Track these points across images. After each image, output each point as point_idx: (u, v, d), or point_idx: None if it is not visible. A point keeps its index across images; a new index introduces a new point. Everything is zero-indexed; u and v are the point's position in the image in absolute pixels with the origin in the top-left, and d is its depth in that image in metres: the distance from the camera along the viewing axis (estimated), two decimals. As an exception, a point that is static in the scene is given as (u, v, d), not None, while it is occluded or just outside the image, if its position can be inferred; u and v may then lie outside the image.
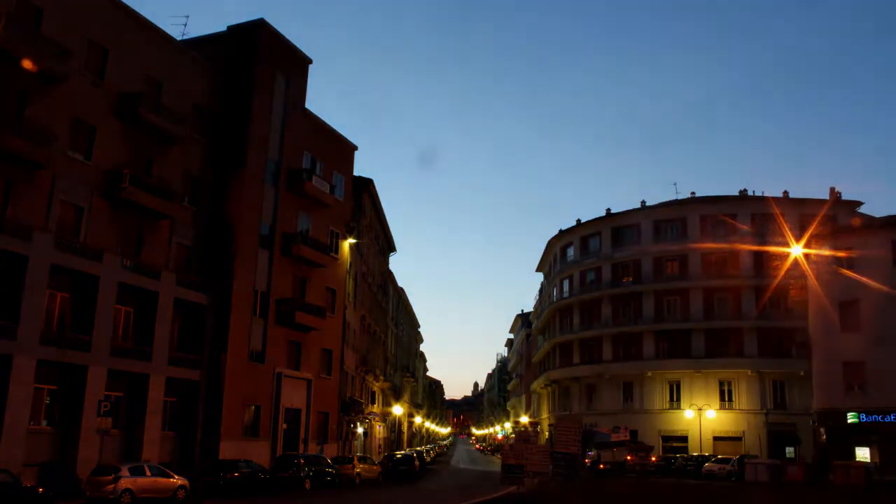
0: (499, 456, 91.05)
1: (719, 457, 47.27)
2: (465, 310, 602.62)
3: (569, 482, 23.13)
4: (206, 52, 36.40)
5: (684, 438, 56.21)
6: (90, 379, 26.98)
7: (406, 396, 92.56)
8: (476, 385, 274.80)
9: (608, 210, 65.88)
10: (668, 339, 59.36)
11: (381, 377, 64.79)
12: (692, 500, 29.20)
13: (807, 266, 43.70)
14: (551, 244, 74.84)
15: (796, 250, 42.92)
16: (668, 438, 57.53)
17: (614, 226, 64.84)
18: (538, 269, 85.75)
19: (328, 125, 44.07)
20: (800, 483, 39.77)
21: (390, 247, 71.50)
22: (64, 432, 26.59)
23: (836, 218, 53.90)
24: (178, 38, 35.32)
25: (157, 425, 30.39)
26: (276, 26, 38.70)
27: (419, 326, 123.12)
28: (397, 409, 75.91)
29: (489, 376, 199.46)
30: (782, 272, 53.56)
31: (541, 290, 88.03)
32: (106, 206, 29.20)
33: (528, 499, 26.25)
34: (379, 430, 65.88)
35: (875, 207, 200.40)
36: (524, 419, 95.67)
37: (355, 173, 48.21)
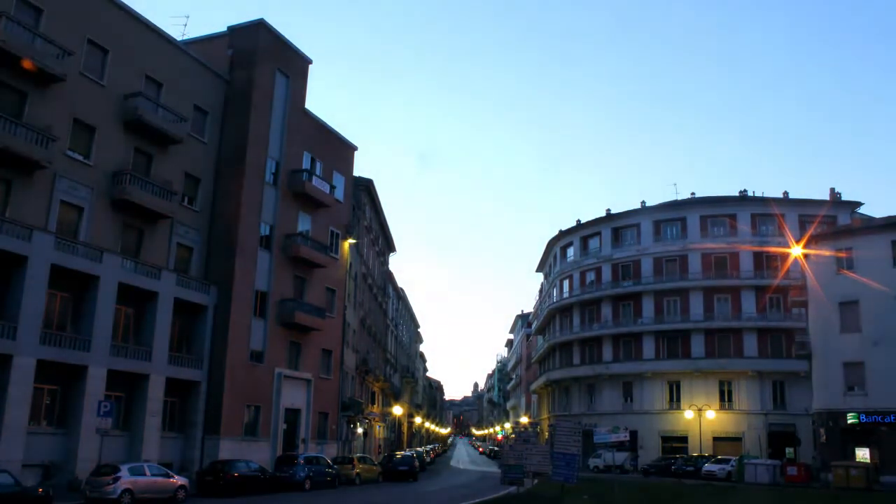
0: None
1: (719, 457, 47.33)
2: (465, 310, 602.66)
3: (569, 482, 23.11)
4: (207, 52, 36.44)
5: (684, 439, 56.19)
6: (90, 379, 26.98)
7: (406, 397, 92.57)
8: (476, 385, 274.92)
9: (608, 210, 65.94)
10: (668, 339, 59.36)
11: (381, 377, 64.82)
12: (692, 500, 29.19)
13: (807, 266, 43.72)
14: (551, 244, 74.85)
15: (796, 250, 42.96)
16: (667, 439, 57.51)
17: (614, 226, 64.84)
18: (538, 270, 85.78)
19: (328, 125, 44.09)
20: (800, 483, 39.81)
21: (390, 247, 71.51)
22: (64, 432, 26.60)
23: (836, 218, 54.01)
24: (179, 38, 35.35)
25: (157, 425, 30.39)
26: (276, 26, 38.77)
27: (419, 327, 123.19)
28: (397, 410, 75.93)
29: (489, 377, 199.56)
30: (782, 272, 53.64)
31: (541, 291, 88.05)
32: (106, 206, 29.22)
33: (527, 499, 26.25)
34: (379, 430, 65.89)
35: (875, 207, 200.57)
36: (524, 419, 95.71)
37: (355, 173, 48.27)
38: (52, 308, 26.87)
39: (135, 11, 31.07)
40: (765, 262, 57.35)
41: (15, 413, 23.93)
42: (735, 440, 54.45)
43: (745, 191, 62.64)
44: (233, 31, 37.95)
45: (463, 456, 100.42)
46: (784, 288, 53.03)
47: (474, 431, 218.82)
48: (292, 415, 38.69)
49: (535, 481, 32.06)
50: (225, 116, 36.60)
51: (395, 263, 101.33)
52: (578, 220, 68.63)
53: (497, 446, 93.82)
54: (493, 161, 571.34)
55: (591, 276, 65.95)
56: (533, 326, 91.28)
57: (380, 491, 33.22)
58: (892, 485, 36.71)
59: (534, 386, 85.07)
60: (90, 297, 27.88)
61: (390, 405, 73.56)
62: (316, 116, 42.85)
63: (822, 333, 42.64)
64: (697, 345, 57.81)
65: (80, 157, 28.27)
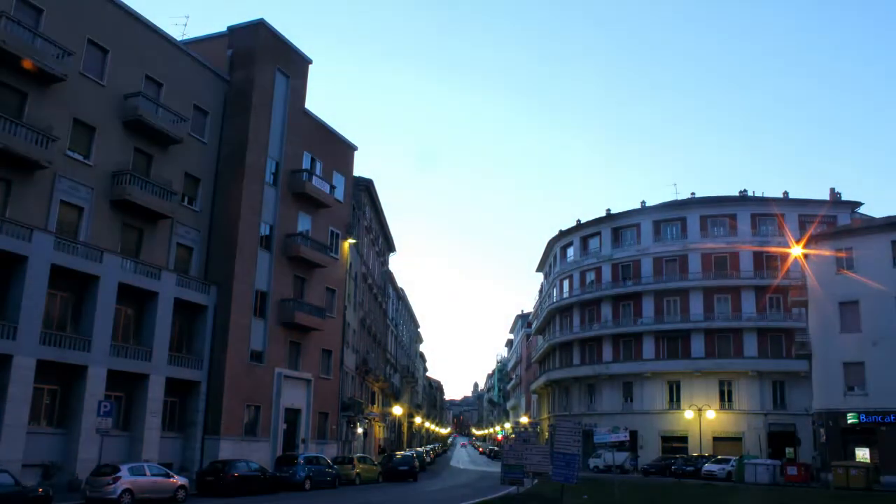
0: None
1: (719, 457, 47.33)
2: (466, 310, 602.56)
3: (569, 482, 23.10)
4: (207, 52, 36.44)
5: (684, 439, 56.19)
6: (90, 379, 27.00)
7: (406, 397, 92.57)
8: (476, 385, 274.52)
9: (608, 210, 65.90)
10: (668, 339, 59.36)
11: (381, 377, 64.81)
12: (691, 500, 29.20)
13: (807, 266, 43.72)
14: (551, 244, 74.85)
15: (796, 251, 42.96)
16: (668, 439, 57.51)
17: (614, 226, 64.84)
18: (538, 270, 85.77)
19: (328, 126, 44.09)
20: (800, 483, 39.81)
21: (390, 247, 71.52)
22: (64, 432, 26.60)
23: (836, 218, 54.03)
24: (179, 38, 35.35)
25: (157, 425, 30.40)
26: (276, 26, 38.77)
27: (419, 327, 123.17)
28: (397, 410, 75.95)
29: (489, 377, 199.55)
30: (782, 272, 53.64)
31: (541, 291, 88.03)
32: (106, 206, 29.22)
33: (527, 499, 26.24)
34: (379, 430, 65.89)
35: (875, 207, 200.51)
36: (524, 419, 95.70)
37: (355, 173, 48.28)
38: (52, 308, 26.87)
39: (135, 11, 31.07)
40: (765, 262, 57.35)
41: (15, 413, 23.94)
42: (735, 440, 54.44)
43: (745, 191, 62.67)
44: (233, 31, 37.95)
45: (463, 456, 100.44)
46: (784, 288, 53.02)
47: (474, 431, 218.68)
48: (292, 415, 38.70)
49: (535, 481, 32.06)
50: (225, 116, 36.60)
51: (396, 263, 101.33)
52: (578, 220, 68.66)
53: (497, 446, 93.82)
54: (494, 161, 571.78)
55: (591, 276, 65.93)
56: (533, 326, 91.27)
57: (380, 491, 33.21)
58: (892, 485, 36.73)
59: (534, 386, 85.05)
60: (90, 297, 27.89)
61: (390, 405, 73.56)
62: (316, 116, 42.86)
63: (822, 333, 42.63)
64: (697, 345, 57.81)
65: (80, 157, 28.27)
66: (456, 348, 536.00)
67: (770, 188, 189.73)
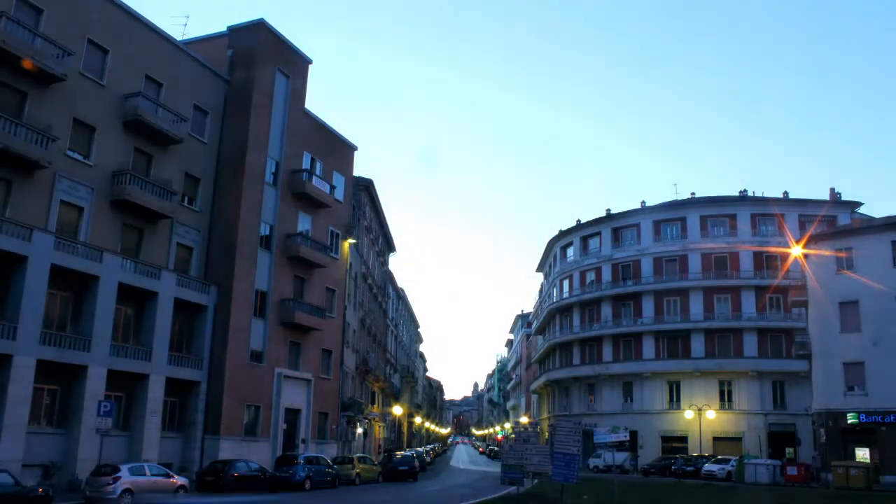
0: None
1: (719, 457, 47.33)
2: (465, 310, 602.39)
3: (569, 482, 23.10)
4: (207, 52, 36.45)
5: (684, 439, 56.18)
6: (90, 379, 27.00)
7: (406, 397, 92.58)
8: (476, 385, 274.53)
9: (608, 210, 65.90)
10: (668, 339, 59.36)
11: (381, 377, 64.83)
12: (691, 500, 29.21)
13: (807, 266, 43.73)
14: (551, 244, 74.87)
15: (796, 250, 42.95)
16: (668, 439, 57.50)
17: (614, 226, 64.85)
18: (538, 270, 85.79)
19: (328, 126, 44.10)
20: (800, 483, 39.82)
21: (390, 247, 71.54)
22: (64, 432, 26.61)
23: (836, 218, 54.05)
24: (179, 38, 35.36)
25: (157, 425, 30.41)
26: (275, 26, 38.79)
27: (419, 327, 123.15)
28: (397, 410, 75.96)
29: (489, 377, 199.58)
30: (782, 272, 53.65)
31: (541, 291, 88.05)
32: (106, 206, 29.24)
33: (527, 499, 26.25)
34: (379, 430, 65.90)
35: (875, 207, 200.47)
36: (524, 419, 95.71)
37: (355, 174, 48.29)
38: (52, 308, 26.88)
39: (135, 11, 31.08)
40: (765, 262, 57.36)
41: (15, 413, 23.94)
42: (735, 440, 54.43)
43: (745, 191, 62.66)
44: (233, 31, 37.96)
45: (463, 456, 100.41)
46: (784, 288, 53.01)
47: (474, 431, 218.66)
48: (292, 415, 38.70)
49: (535, 481, 32.06)
50: (225, 116, 36.61)
51: (396, 263, 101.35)
52: (578, 220, 68.66)
53: (497, 446, 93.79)
54: (493, 161, 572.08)
55: (591, 276, 65.93)
56: (533, 326, 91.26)
57: (380, 491, 33.22)
58: (892, 485, 36.73)
59: (534, 386, 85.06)
60: (90, 297, 27.90)
61: (390, 405, 73.57)
62: (316, 116, 42.86)
63: (822, 333, 42.63)
64: (697, 345, 57.80)
65: (80, 157, 28.29)
66: (456, 348, 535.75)
67: (770, 188, 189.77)
